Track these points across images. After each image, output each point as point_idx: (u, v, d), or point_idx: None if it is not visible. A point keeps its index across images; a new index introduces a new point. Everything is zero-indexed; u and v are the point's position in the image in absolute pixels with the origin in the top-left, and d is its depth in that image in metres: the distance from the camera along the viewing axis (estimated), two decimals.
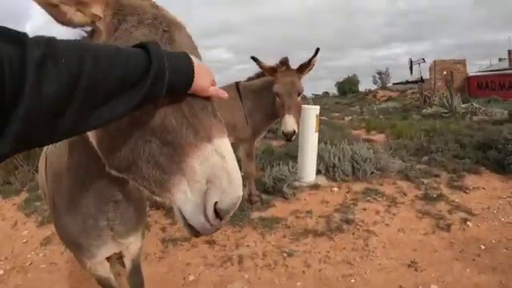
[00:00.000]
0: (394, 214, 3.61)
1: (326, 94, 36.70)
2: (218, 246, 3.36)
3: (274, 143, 7.18)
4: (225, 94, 0.86)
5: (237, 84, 3.87)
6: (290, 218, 3.77)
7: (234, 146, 4.03)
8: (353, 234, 3.29)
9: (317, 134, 4.61)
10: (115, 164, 0.84)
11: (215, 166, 0.75)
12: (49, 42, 0.54)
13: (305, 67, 3.50)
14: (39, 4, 0.76)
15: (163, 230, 3.84)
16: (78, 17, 0.81)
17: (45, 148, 1.54)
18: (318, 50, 3.44)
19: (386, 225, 3.42)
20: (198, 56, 0.90)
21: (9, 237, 4.19)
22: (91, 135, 0.87)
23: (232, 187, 0.75)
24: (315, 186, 4.52)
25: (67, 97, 0.54)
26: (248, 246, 3.30)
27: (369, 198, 4.05)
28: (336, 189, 4.39)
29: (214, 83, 0.82)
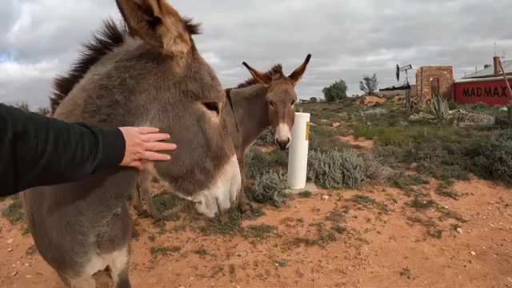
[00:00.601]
0: (384, 222, 3.67)
1: (314, 99, 37.17)
2: (208, 255, 3.35)
3: (263, 150, 7.23)
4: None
5: (227, 91, 3.89)
6: (281, 226, 3.80)
7: None
8: (345, 242, 3.33)
9: (307, 141, 4.67)
10: (173, 172, 1.08)
11: (235, 169, 1.20)
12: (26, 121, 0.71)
13: (298, 74, 3.55)
14: (132, 15, 0.89)
15: (152, 239, 3.81)
16: (171, 46, 0.99)
17: None
18: (309, 56, 3.47)
19: (378, 232, 3.47)
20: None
21: None
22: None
23: (239, 182, 1.23)
24: (305, 194, 4.56)
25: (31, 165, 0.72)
26: (239, 255, 3.30)
27: (359, 205, 4.11)
28: (326, 196, 4.44)
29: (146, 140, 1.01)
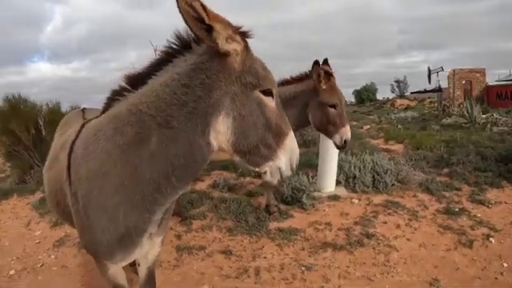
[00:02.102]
0: (415, 229, 3.74)
1: (344, 102, 37.17)
2: (234, 256, 3.52)
3: None
4: None
5: None
6: (309, 229, 3.93)
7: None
8: (373, 248, 3.43)
9: None
10: (244, 148, 1.32)
11: (293, 143, 1.43)
12: None
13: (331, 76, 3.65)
14: (192, 25, 1.16)
15: (178, 237, 4.01)
16: (225, 45, 1.23)
17: (62, 153, 1.70)
18: (325, 60, 3.59)
19: (408, 239, 3.55)
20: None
21: (21, 236, 4.39)
22: (226, 133, 1.30)
23: (297, 153, 1.46)
24: (335, 197, 4.67)
25: None
26: (265, 257, 3.45)
27: (389, 210, 4.20)
28: (356, 200, 4.55)
29: None
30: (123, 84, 1.42)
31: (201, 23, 1.17)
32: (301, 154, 5.18)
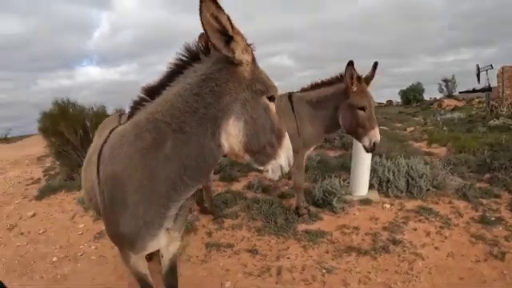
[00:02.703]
0: (445, 237, 3.60)
1: (390, 102, 35.68)
2: (259, 255, 3.60)
3: (331, 153, 7.32)
4: None
5: (290, 95, 4.06)
6: (336, 233, 3.91)
7: None
8: (398, 255, 3.35)
9: None
10: (254, 148, 1.47)
11: (289, 143, 1.60)
12: None
13: (369, 80, 3.65)
14: (213, 37, 1.29)
15: (209, 234, 4.17)
16: (240, 55, 1.37)
17: (94, 155, 1.86)
18: (376, 63, 3.61)
19: (436, 248, 3.43)
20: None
21: (66, 228, 4.83)
22: (238, 134, 1.44)
23: (291, 151, 1.62)
24: (366, 202, 4.60)
25: None
26: (289, 258, 3.50)
27: (421, 217, 4.06)
28: (388, 205, 4.45)
29: None
30: (142, 95, 1.59)
31: (222, 35, 1.30)
32: (338, 157, 5.19)
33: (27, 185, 8.23)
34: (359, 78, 3.49)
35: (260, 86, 1.45)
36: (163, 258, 2.17)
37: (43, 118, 7.52)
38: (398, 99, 35.03)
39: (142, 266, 2.04)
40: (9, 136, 39.00)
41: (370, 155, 4.60)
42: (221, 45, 1.31)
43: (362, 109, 3.47)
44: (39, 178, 8.92)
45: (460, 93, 28.56)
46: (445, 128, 10.65)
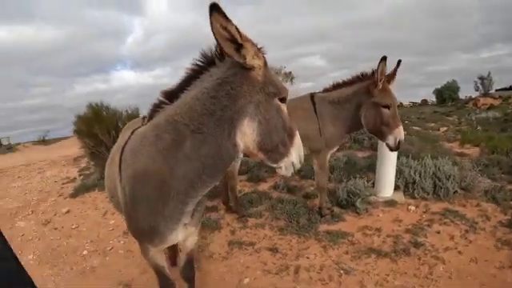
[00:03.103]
0: (470, 241, 3.47)
1: (425, 101, 34.39)
2: (279, 254, 3.63)
3: (360, 154, 7.21)
4: None
5: (312, 95, 4.05)
6: (358, 234, 3.87)
7: (308, 157, 4.27)
8: (419, 258, 3.27)
9: None
10: (268, 147, 1.56)
11: (299, 140, 1.66)
12: None
13: (391, 78, 3.57)
14: (225, 45, 1.38)
15: (232, 232, 4.24)
16: (251, 60, 1.45)
17: (117, 155, 1.96)
18: (399, 61, 3.53)
19: (459, 252, 3.31)
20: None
21: (98, 224, 5.08)
22: (252, 134, 1.53)
23: (302, 149, 1.69)
24: (391, 203, 4.51)
25: None
26: (308, 257, 3.50)
27: (446, 220, 3.92)
28: (413, 207, 4.34)
29: None
30: (161, 98, 1.67)
31: (232, 43, 1.38)
32: (366, 158, 5.10)
33: (63, 184, 8.72)
34: (388, 76, 3.46)
35: (272, 88, 1.53)
36: (181, 252, 2.31)
37: (78, 120, 7.88)
38: (433, 98, 33.71)
39: (160, 259, 2.14)
40: (47, 138, 41.31)
41: (395, 156, 4.51)
42: (232, 52, 1.40)
43: (387, 107, 3.43)
44: (74, 178, 9.42)
45: (496, 90, 27.12)
46: (479, 128, 10.21)
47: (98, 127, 7.41)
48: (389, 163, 4.56)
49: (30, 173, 12.28)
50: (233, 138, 1.52)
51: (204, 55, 1.55)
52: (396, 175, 4.73)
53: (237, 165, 4.50)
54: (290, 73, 14.01)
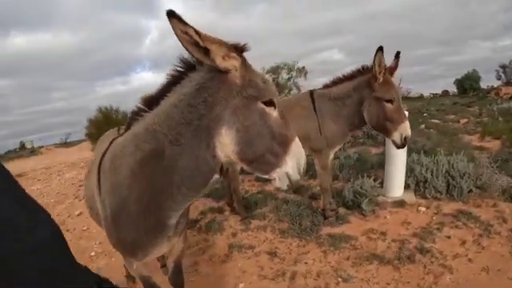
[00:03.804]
0: (482, 247, 3.10)
1: (446, 92, 32.82)
2: (277, 258, 3.43)
3: (374, 150, 6.86)
4: None
5: (311, 92, 3.79)
6: (362, 238, 3.59)
7: (309, 157, 4.00)
8: (424, 266, 2.95)
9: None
10: (249, 157, 1.37)
11: (299, 148, 1.46)
12: None
13: (393, 70, 3.33)
14: (190, 49, 1.25)
15: (234, 235, 4.07)
16: (222, 63, 1.30)
17: (95, 166, 1.84)
18: (398, 52, 3.31)
19: (469, 260, 2.96)
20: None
21: None
22: (230, 144, 1.35)
23: (304, 157, 1.48)
24: (400, 204, 4.16)
25: None
26: (306, 262, 3.28)
27: (458, 222, 3.55)
28: (423, 208, 3.98)
29: None
30: (141, 105, 1.54)
31: (198, 47, 1.25)
32: (379, 154, 4.73)
33: (80, 186, 8.69)
34: (386, 67, 3.17)
35: (252, 91, 1.36)
36: (168, 259, 2.21)
37: (90, 124, 7.92)
38: (454, 89, 32.11)
39: (145, 270, 2.04)
40: (68, 140, 42.37)
41: (404, 152, 4.16)
42: (201, 56, 1.28)
43: (390, 101, 3.17)
44: None
45: None
46: (500, 119, 9.53)
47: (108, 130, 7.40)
48: (398, 161, 4.20)
49: (50, 175, 12.31)
50: (212, 149, 1.38)
51: (183, 60, 1.43)
52: (407, 173, 4.36)
53: (238, 166, 4.30)
54: (304, 68, 13.67)
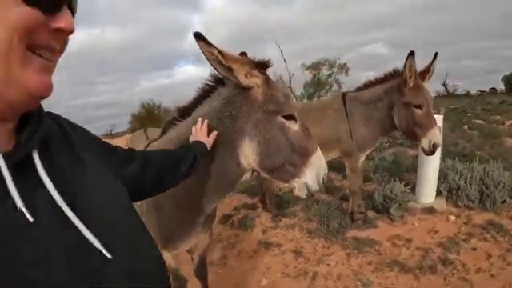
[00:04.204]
0: (507, 263, 3.02)
1: (494, 90, 30.45)
2: (302, 257, 3.55)
3: (411, 152, 6.71)
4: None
5: (343, 95, 3.81)
6: (386, 243, 3.62)
7: (339, 160, 4.04)
8: (444, 278, 2.95)
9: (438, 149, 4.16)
10: (268, 167, 1.50)
11: (320, 160, 1.54)
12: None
13: (425, 74, 3.29)
14: (216, 67, 1.39)
15: (264, 232, 4.24)
16: (245, 80, 1.42)
17: None
18: (436, 54, 3.25)
19: (491, 275, 2.91)
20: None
21: None
22: (251, 154, 1.49)
23: (324, 169, 1.56)
24: (430, 211, 4.11)
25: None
26: (328, 264, 3.37)
27: (487, 235, 3.46)
28: (453, 217, 3.90)
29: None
30: (175, 115, 1.71)
31: (222, 65, 1.37)
32: (415, 157, 4.57)
33: None
34: (417, 72, 3.17)
35: (273, 106, 1.46)
36: (194, 254, 2.42)
37: (133, 119, 8.27)
38: (502, 86, 29.74)
39: (174, 262, 2.27)
40: (114, 132, 44.14)
41: (437, 157, 4.08)
42: (226, 73, 1.40)
43: (419, 107, 3.16)
44: None
45: None
46: None
47: (151, 125, 7.71)
48: (430, 166, 4.13)
49: None
50: (236, 158, 1.52)
51: (213, 75, 1.55)
52: (440, 179, 4.28)
53: None
54: (345, 64, 13.37)
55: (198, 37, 1.31)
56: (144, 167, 1.11)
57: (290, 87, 12.81)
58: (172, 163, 1.31)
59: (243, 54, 1.67)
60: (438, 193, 4.33)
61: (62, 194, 0.60)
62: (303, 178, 1.51)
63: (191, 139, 1.50)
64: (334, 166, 5.78)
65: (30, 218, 0.53)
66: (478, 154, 4.79)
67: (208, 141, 1.49)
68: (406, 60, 3.08)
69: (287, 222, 4.36)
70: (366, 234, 3.81)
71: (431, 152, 3.25)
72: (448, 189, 4.26)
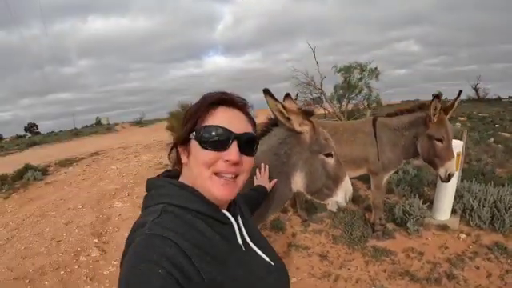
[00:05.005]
0: (505, 283, 3.42)
1: None
2: (327, 261, 4.08)
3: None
4: None
5: (374, 119, 4.26)
6: (401, 254, 4.07)
7: (365, 177, 4.49)
8: None
9: (457, 172, 4.54)
10: (312, 190, 1.88)
11: (348, 184, 1.88)
12: None
13: (449, 110, 3.68)
14: (278, 116, 1.76)
15: (293, 235, 4.79)
16: (298, 128, 1.79)
17: None
18: (460, 92, 3.63)
19: None
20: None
21: None
22: (300, 182, 1.89)
23: (350, 190, 1.90)
24: (443, 228, 4.53)
25: None
26: (349, 269, 3.89)
27: (491, 255, 3.87)
28: (463, 236, 4.31)
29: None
30: None
31: (282, 115, 1.75)
32: (433, 173, 4.88)
33: (156, 169, 9.63)
34: (441, 109, 3.56)
35: (317, 147, 1.83)
36: None
37: (170, 117, 8.71)
38: None
39: None
40: (143, 119, 45.88)
41: (456, 178, 4.47)
42: (285, 122, 1.77)
43: (440, 140, 3.55)
44: (167, 164, 10.08)
45: None
46: None
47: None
48: (448, 185, 4.51)
49: (128, 156, 13.11)
50: (289, 185, 1.91)
51: (270, 118, 1.92)
52: (456, 199, 4.68)
53: None
54: (376, 69, 13.38)
55: (266, 92, 1.65)
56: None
57: (321, 89, 13.06)
58: (255, 199, 1.75)
59: (287, 95, 2.18)
60: (453, 211, 4.74)
61: (249, 236, 1.11)
62: (335, 198, 1.87)
63: (256, 182, 1.87)
64: (361, 176, 6.21)
65: (265, 257, 1.10)
66: (496, 175, 5.09)
67: (269, 186, 1.87)
68: (431, 102, 3.49)
69: (315, 228, 4.90)
70: (384, 244, 4.29)
71: (447, 180, 3.67)
72: (462, 208, 4.66)
